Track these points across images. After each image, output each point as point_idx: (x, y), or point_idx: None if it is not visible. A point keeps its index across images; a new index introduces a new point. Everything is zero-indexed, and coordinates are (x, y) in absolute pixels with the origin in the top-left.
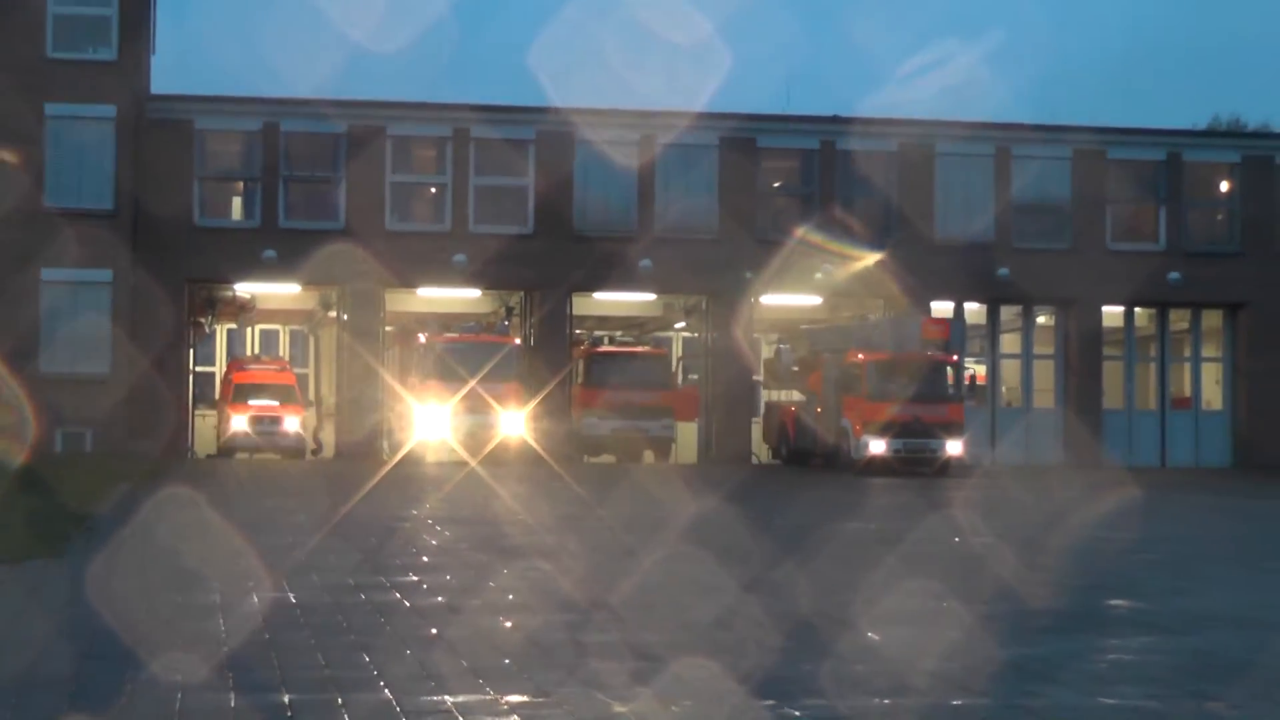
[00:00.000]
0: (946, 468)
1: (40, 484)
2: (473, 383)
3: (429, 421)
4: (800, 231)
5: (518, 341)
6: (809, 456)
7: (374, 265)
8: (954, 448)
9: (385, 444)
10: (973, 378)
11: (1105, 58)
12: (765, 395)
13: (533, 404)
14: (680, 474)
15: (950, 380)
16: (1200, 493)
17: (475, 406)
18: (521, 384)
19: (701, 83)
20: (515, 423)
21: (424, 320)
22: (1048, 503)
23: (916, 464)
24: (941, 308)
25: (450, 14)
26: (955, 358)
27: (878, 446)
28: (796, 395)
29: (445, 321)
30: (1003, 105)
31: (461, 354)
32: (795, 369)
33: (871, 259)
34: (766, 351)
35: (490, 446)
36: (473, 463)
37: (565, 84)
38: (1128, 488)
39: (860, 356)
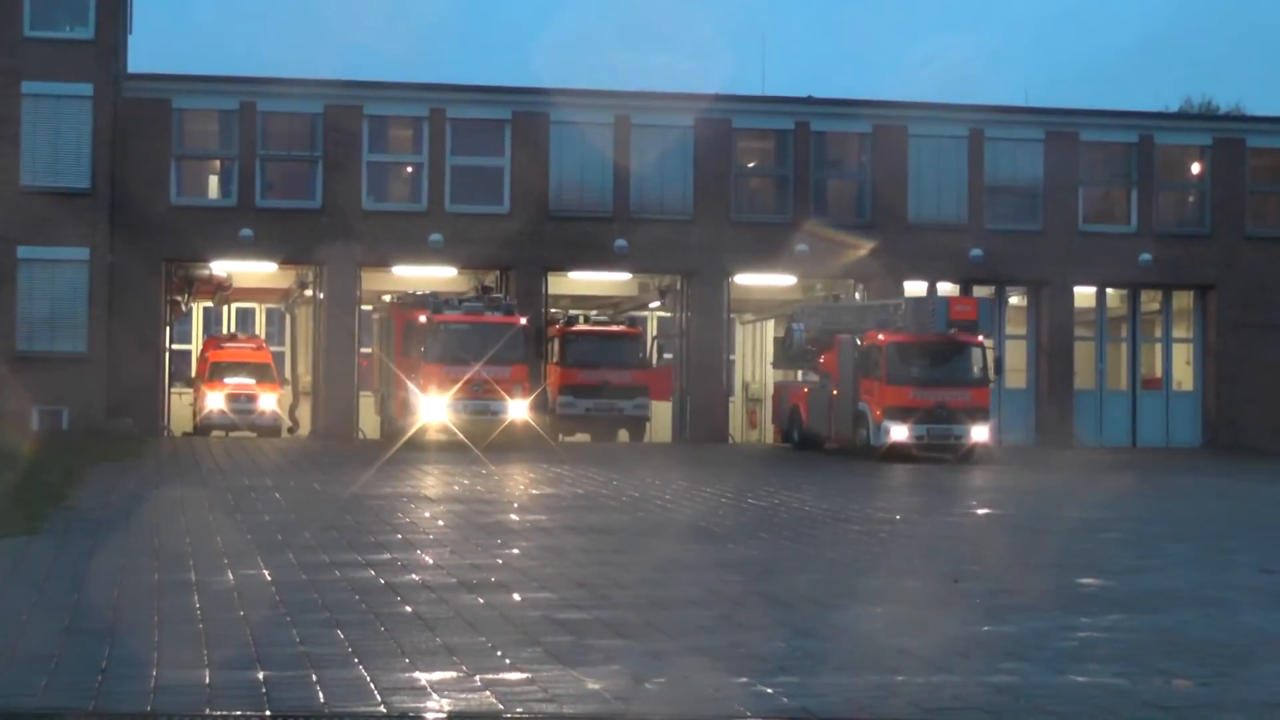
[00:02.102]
0: (972, 455)
1: (19, 461)
2: (478, 366)
3: (430, 404)
4: (787, 216)
5: (524, 321)
6: (822, 441)
7: (350, 244)
8: (980, 434)
9: (379, 423)
10: (999, 360)
11: (1081, 41)
12: (774, 375)
13: (540, 388)
14: (691, 456)
15: (976, 363)
16: (1172, 472)
17: (479, 390)
18: (528, 366)
19: (687, 65)
20: (521, 407)
21: (423, 299)
22: (1036, 483)
23: (940, 450)
24: (914, 288)
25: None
26: (982, 339)
27: (899, 432)
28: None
29: (445, 297)
30: (979, 90)
31: (466, 334)
32: (809, 349)
33: (866, 246)
34: (741, 331)
35: (496, 432)
36: (476, 449)
37: (550, 65)
38: (1110, 468)
39: (881, 337)
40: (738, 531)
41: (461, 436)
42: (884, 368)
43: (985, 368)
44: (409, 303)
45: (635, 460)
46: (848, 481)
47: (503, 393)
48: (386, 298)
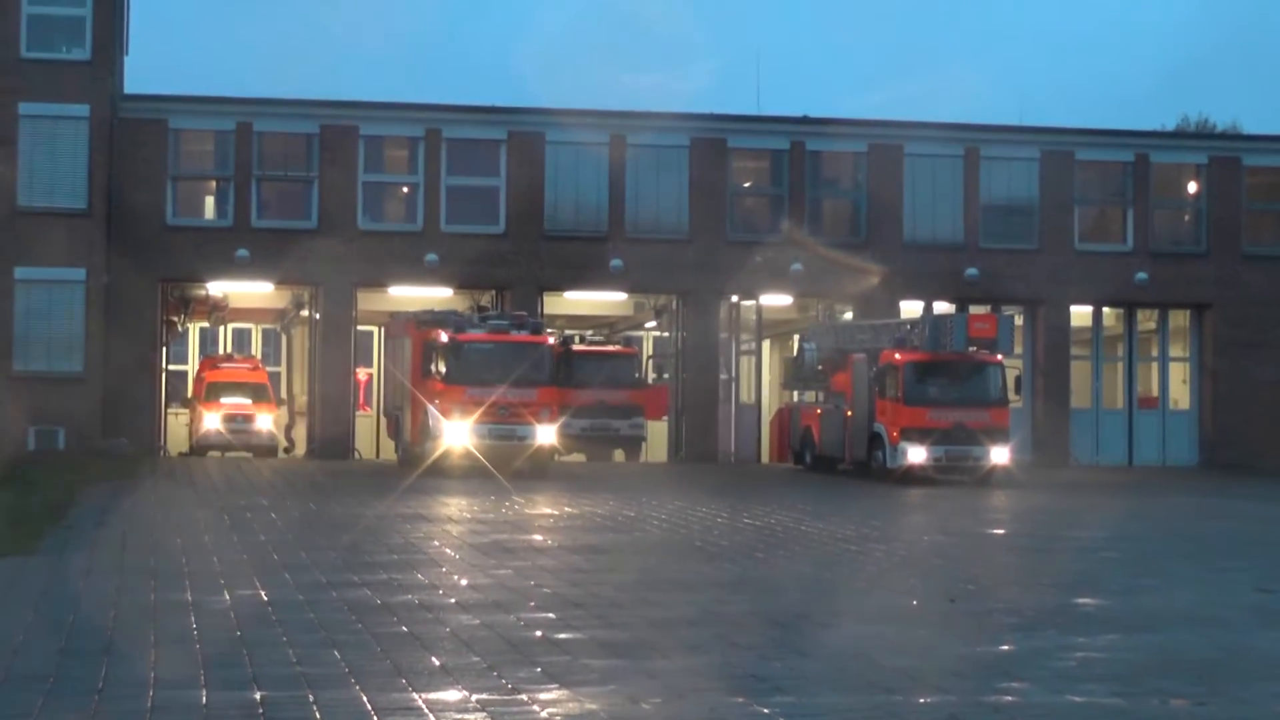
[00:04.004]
0: (991, 477)
1: (15, 481)
2: (502, 388)
3: (451, 429)
4: (783, 235)
5: (551, 340)
6: (835, 462)
7: (346, 264)
8: (999, 455)
9: (394, 446)
10: (1018, 379)
11: (1077, 61)
12: (783, 396)
13: (567, 412)
14: (703, 478)
15: (995, 382)
16: (1169, 492)
17: (504, 414)
18: (556, 388)
19: (682, 85)
20: (548, 432)
21: (443, 316)
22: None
23: (958, 473)
24: (910, 307)
25: (432, 13)
26: (1000, 358)
27: (916, 454)
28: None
29: (466, 314)
30: (976, 108)
31: (489, 355)
32: (820, 369)
33: (873, 270)
34: (731, 337)
35: (522, 459)
36: (500, 476)
37: (545, 85)
38: (1108, 488)
39: (897, 356)
40: (740, 551)
41: (485, 462)
42: (901, 387)
43: (1004, 387)
44: (427, 320)
45: (662, 483)
46: (867, 503)
47: (529, 416)
48: (401, 315)
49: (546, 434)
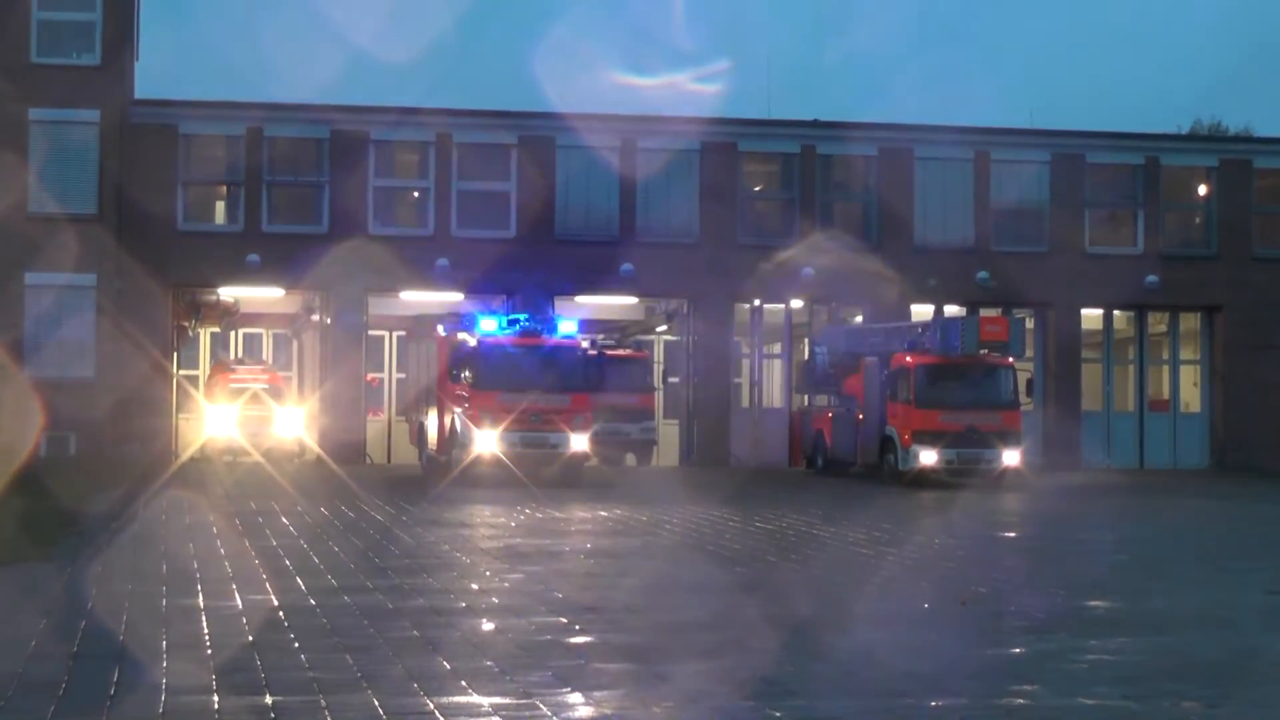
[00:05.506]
0: (1002, 479)
1: (30, 486)
2: (534, 395)
3: (480, 436)
4: (794, 239)
5: (585, 344)
6: (847, 466)
7: (357, 269)
8: (1011, 458)
9: (417, 453)
10: (1030, 382)
11: (1088, 60)
12: (796, 400)
13: (599, 420)
14: (718, 482)
15: (1007, 385)
16: (1180, 494)
17: (536, 421)
18: (590, 394)
19: (692, 89)
20: (582, 440)
21: (470, 321)
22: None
23: (970, 475)
24: (921, 311)
25: (446, 20)
26: (1012, 361)
27: (928, 457)
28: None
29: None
30: (986, 109)
31: (521, 359)
32: (831, 372)
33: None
34: (749, 340)
35: (554, 467)
36: (531, 484)
37: (556, 89)
38: (1120, 491)
39: (909, 359)
40: (752, 554)
41: (515, 470)
42: (912, 390)
43: (1016, 390)
44: (455, 323)
45: (674, 486)
46: (879, 506)
47: (562, 424)
48: (425, 317)
49: (580, 442)
